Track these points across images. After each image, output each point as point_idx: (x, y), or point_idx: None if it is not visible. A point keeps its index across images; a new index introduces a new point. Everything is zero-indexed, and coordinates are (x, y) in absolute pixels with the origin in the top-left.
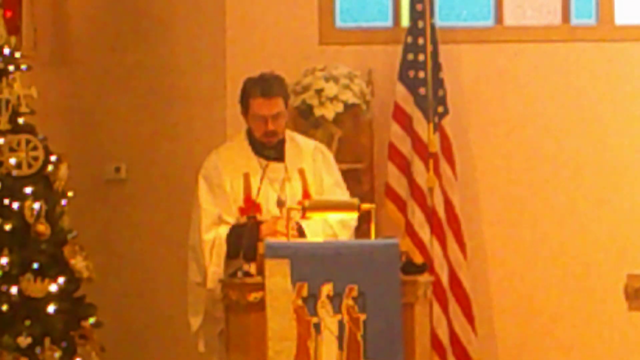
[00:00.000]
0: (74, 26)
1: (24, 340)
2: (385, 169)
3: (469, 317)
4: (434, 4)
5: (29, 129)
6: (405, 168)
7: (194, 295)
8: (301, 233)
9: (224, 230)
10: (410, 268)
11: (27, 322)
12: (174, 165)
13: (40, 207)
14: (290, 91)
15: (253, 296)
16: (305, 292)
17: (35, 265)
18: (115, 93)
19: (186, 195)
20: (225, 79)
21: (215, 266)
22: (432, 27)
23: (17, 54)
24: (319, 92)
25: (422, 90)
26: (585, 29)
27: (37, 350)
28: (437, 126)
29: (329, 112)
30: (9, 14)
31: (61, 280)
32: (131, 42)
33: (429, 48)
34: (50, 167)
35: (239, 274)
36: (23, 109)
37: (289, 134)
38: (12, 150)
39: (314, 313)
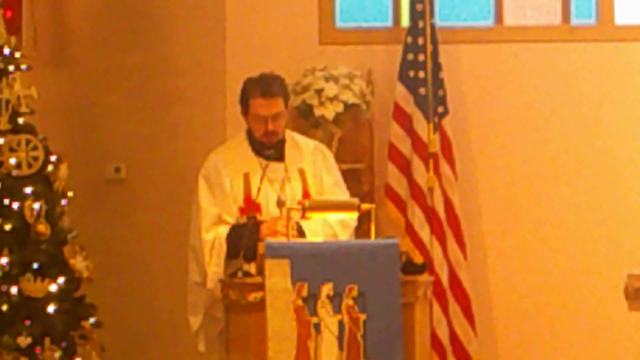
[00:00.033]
0: (74, 26)
1: (24, 340)
2: (385, 169)
3: (469, 317)
4: (434, 4)
5: (29, 129)
6: (405, 168)
7: (193, 295)
8: (301, 233)
9: (224, 230)
10: (410, 268)
11: (27, 322)
12: (174, 165)
13: (40, 207)
14: (290, 91)
15: (253, 296)
16: (305, 292)
17: (35, 265)
18: (115, 93)
19: (186, 195)
20: (225, 79)
21: (215, 266)
22: (432, 27)
23: (17, 54)
24: (319, 92)
25: (422, 90)
26: (585, 29)
27: (37, 350)
28: (437, 126)
29: (329, 112)
30: (9, 14)
31: (61, 280)
32: (131, 42)
33: (429, 48)
34: (50, 167)
35: (239, 274)
36: (23, 109)
37: (289, 134)
38: (12, 150)
39: (314, 313)
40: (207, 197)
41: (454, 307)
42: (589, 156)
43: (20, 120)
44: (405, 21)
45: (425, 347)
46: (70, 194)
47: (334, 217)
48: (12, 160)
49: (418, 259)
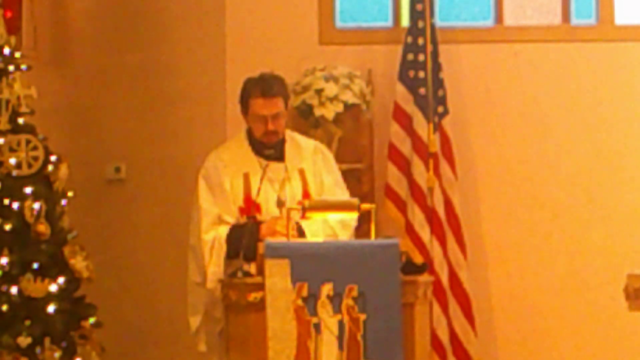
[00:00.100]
0: (74, 26)
1: (24, 340)
2: (385, 169)
3: (469, 317)
4: (434, 4)
5: (29, 129)
6: (405, 168)
7: (193, 295)
8: (301, 233)
9: (223, 230)
10: (410, 268)
11: (27, 322)
12: (174, 165)
13: (40, 207)
14: (290, 91)
15: (253, 296)
16: (305, 292)
17: (35, 265)
18: (115, 93)
19: (186, 195)
20: (225, 79)
21: (215, 266)
22: (432, 27)
23: (17, 54)
24: (319, 92)
25: (422, 90)
26: (585, 29)
27: (37, 350)
28: (437, 126)
29: (329, 112)
30: (9, 14)
31: (61, 280)
32: (131, 42)
33: (429, 48)
34: (50, 167)
35: (239, 274)
36: (23, 109)
37: (289, 134)
38: (12, 150)
39: (314, 313)
40: (207, 197)
41: (454, 307)
42: (589, 156)
43: (20, 120)
44: (405, 21)
45: (425, 347)
46: (70, 194)
47: (334, 217)
48: (12, 160)
49: (418, 259)
